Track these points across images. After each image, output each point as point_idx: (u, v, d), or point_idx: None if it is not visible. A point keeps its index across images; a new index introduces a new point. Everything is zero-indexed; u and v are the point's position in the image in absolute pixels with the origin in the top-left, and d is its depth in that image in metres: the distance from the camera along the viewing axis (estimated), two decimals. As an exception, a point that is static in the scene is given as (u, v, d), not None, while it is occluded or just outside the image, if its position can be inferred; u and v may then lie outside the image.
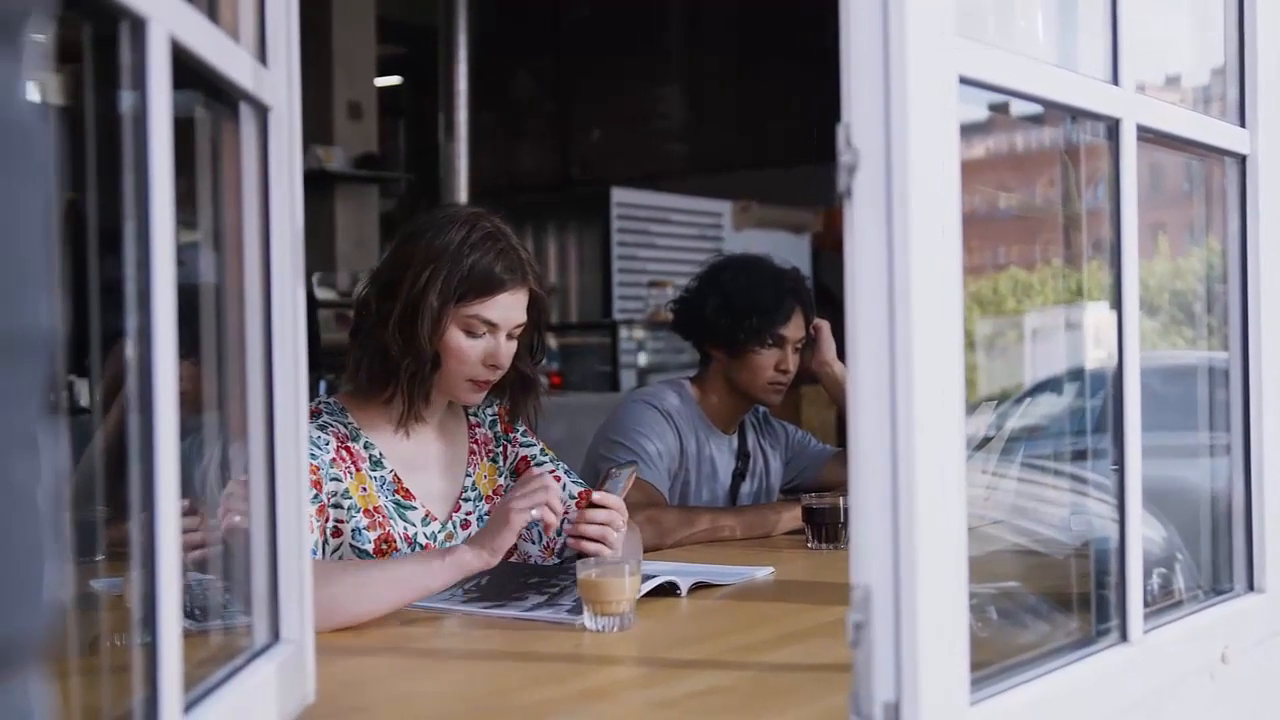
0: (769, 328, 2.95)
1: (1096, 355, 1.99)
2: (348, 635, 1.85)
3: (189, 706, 1.08)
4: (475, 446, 2.35)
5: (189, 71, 1.10)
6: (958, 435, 1.20)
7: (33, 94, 0.56)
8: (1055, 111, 1.58)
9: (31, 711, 0.55)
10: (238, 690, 1.21)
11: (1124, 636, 1.49)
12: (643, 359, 7.52)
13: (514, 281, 2.18)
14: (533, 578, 2.11)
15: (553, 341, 7.66)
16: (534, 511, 1.95)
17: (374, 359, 2.17)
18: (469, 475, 2.32)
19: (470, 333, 2.17)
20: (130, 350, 1.00)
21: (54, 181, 0.57)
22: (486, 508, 2.31)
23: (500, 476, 2.36)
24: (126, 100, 1.01)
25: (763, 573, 2.32)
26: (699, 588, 2.16)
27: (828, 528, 2.61)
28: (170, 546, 1.00)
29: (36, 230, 0.54)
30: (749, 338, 2.94)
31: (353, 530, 2.12)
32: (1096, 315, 1.92)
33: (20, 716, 0.54)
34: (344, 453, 2.15)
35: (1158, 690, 1.56)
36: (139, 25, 0.98)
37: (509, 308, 2.19)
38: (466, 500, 2.30)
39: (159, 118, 1.00)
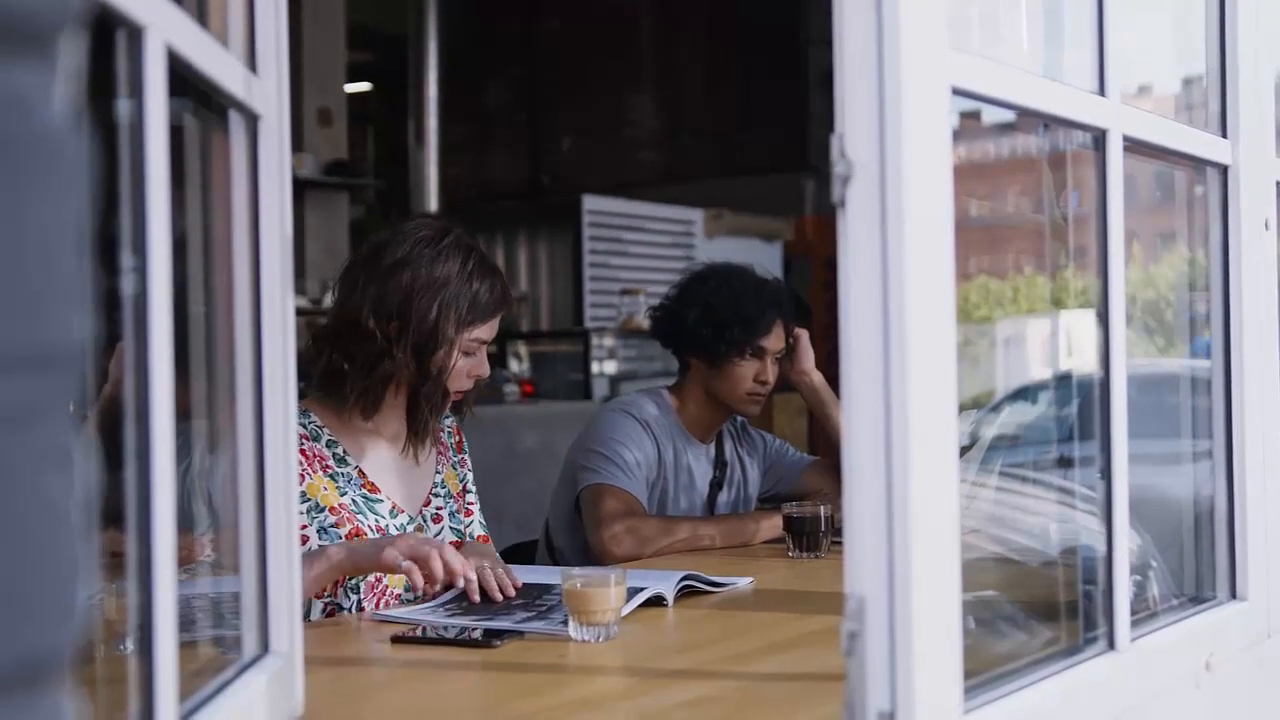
0: (750, 339, 2.94)
1: (1072, 363, 2.00)
2: (337, 648, 1.84)
3: (182, 719, 1.07)
4: (442, 447, 2.44)
5: (181, 79, 1.10)
6: (951, 444, 1.21)
7: (64, 105, 0.56)
8: (1027, 120, 1.59)
9: None
10: (229, 703, 1.20)
11: (1111, 644, 1.50)
12: (614, 367, 7.51)
13: (508, 302, 2.33)
14: (517, 598, 2.10)
15: (524, 350, 7.64)
16: (404, 564, 1.96)
17: (382, 384, 2.24)
18: (438, 473, 2.41)
19: (466, 353, 2.28)
20: (126, 359, 0.99)
21: (86, 193, 0.56)
22: (455, 505, 2.41)
23: (460, 482, 2.46)
24: (121, 108, 1.00)
25: (744, 582, 2.32)
26: (686, 593, 2.16)
27: (808, 536, 2.61)
28: (166, 558, 0.99)
29: (70, 243, 0.54)
30: (730, 349, 2.94)
31: (319, 530, 2.16)
32: (1071, 323, 1.93)
33: None
34: (300, 455, 2.18)
35: (1145, 698, 1.56)
36: (136, 33, 0.97)
37: (497, 325, 2.33)
38: (437, 496, 2.39)
39: (155, 126, 0.99)
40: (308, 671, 1.44)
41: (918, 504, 1.15)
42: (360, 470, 2.27)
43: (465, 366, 2.28)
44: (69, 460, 0.55)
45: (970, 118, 1.50)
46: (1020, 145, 1.85)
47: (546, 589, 2.15)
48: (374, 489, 2.27)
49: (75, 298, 0.55)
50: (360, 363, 2.22)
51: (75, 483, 0.56)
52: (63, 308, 0.54)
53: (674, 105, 9.78)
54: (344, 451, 2.26)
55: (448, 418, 2.47)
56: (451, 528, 2.39)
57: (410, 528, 2.30)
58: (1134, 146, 1.57)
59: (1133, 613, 1.58)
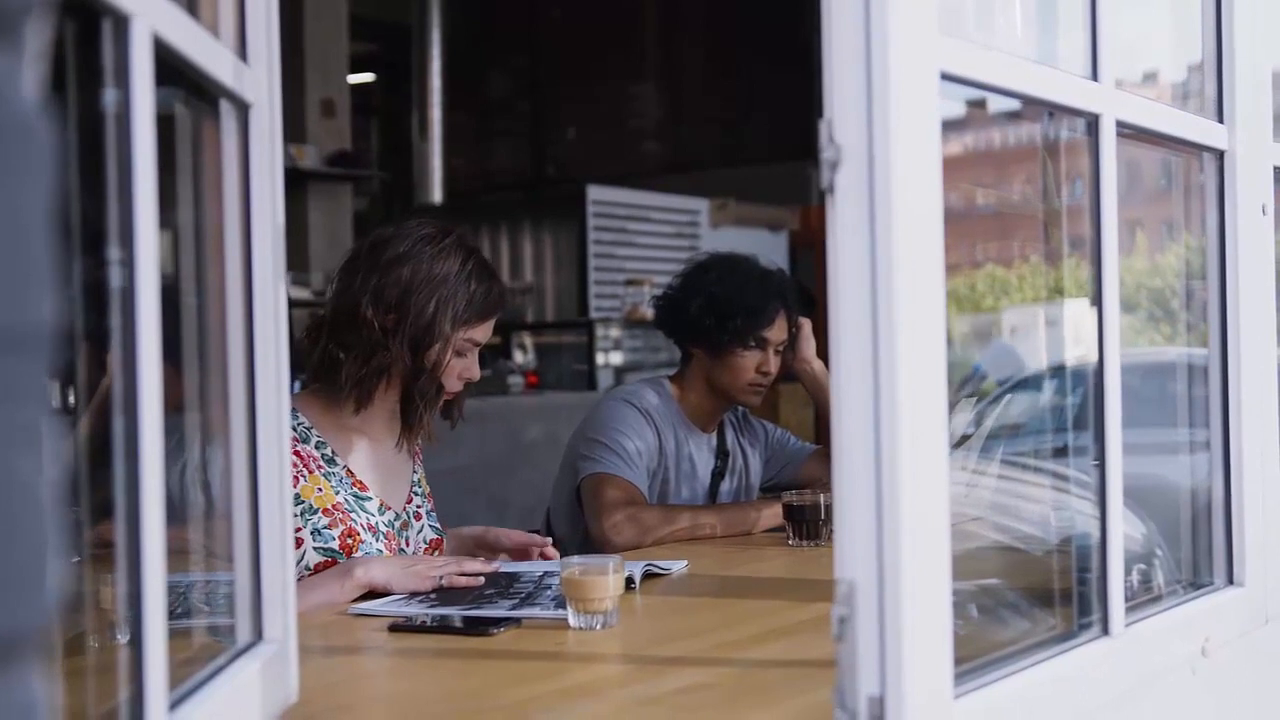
0: (753, 330, 2.94)
1: (1075, 352, 2.00)
2: (333, 637, 1.85)
3: (173, 705, 1.08)
4: (418, 448, 2.48)
5: (169, 68, 1.10)
6: (940, 430, 1.21)
7: (33, 89, 0.56)
8: (1033, 108, 1.58)
9: (35, 704, 0.55)
10: (222, 689, 1.20)
11: (1105, 630, 1.50)
12: (619, 358, 7.51)
13: (503, 306, 2.35)
14: (489, 587, 2.11)
15: (528, 341, 7.64)
16: (443, 581, 2.11)
17: (376, 376, 2.26)
18: (415, 473, 2.45)
19: (459, 353, 2.30)
20: (114, 351, 1.00)
21: (54, 178, 0.57)
22: (430, 505, 2.45)
23: (426, 484, 2.51)
24: (108, 97, 1.00)
25: (680, 565, 2.35)
26: (648, 577, 2.21)
27: (808, 525, 2.61)
28: (155, 547, 1.00)
29: (39, 227, 0.54)
30: (732, 339, 2.94)
31: (313, 532, 2.19)
32: (1075, 312, 1.93)
33: (24, 709, 0.54)
34: (294, 457, 2.20)
35: (1139, 683, 1.56)
36: (122, 22, 0.97)
37: (491, 328, 2.36)
38: (416, 494, 2.43)
39: (142, 115, 0.99)
40: (304, 660, 1.45)
41: (907, 488, 1.15)
42: (348, 469, 2.29)
43: (457, 367, 2.30)
44: (39, 441, 0.56)
45: (976, 106, 1.50)
46: (1026, 133, 1.85)
47: (515, 577, 2.18)
48: (362, 487, 2.30)
49: (45, 282, 0.56)
50: (356, 353, 2.24)
51: (46, 463, 0.56)
52: (33, 291, 0.55)
53: (677, 94, 9.78)
54: (332, 451, 2.29)
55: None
56: (430, 525, 2.43)
57: (397, 524, 2.33)
58: (1128, 132, 1.57)
59: (1135, 600, 1.58)
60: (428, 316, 2.24)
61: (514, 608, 1.95)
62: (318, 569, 2.18)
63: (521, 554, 2.41)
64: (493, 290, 2.32)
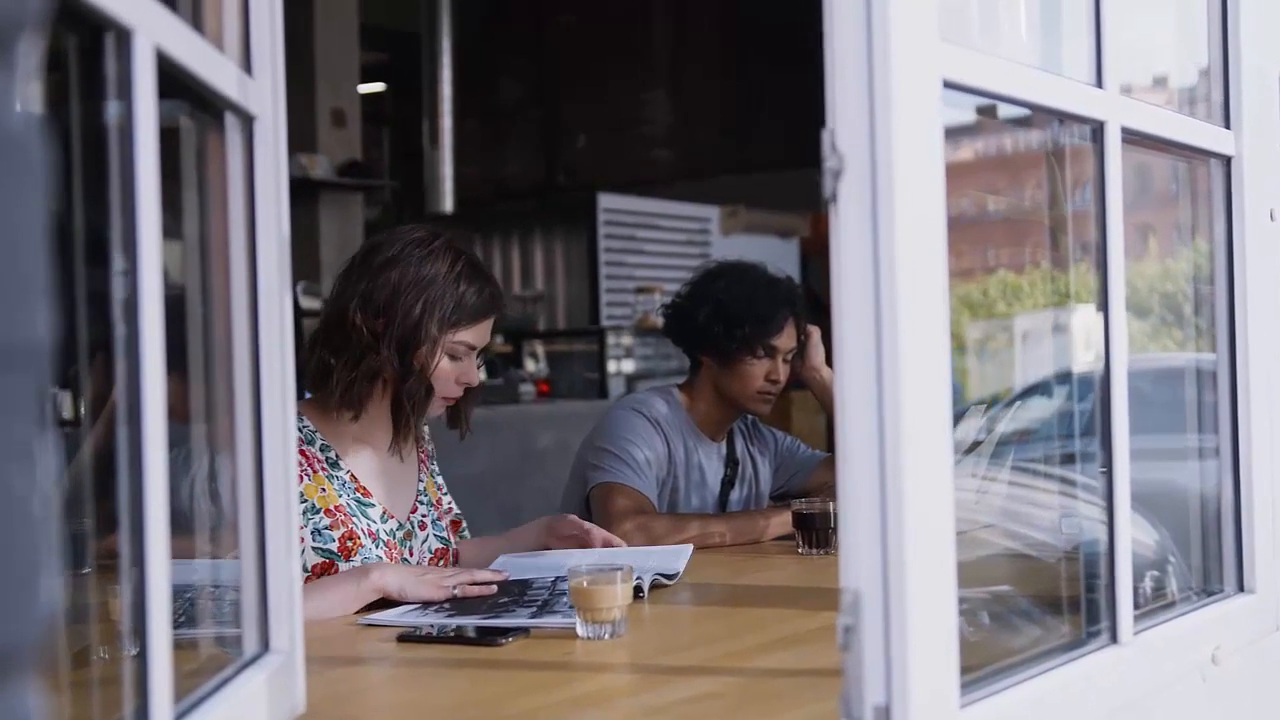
0: (762, 338, 2.94)
1: (1086, 358, 2.00)
2: (338, 647, 1.85)
3: (179, 717, 1.08)
4: (424, 457, 2.48)
5: (173, 81, 1.10)
6: (945, 438, 1.21)
7: (27, 105, 0.56)
8: (1041, 114, 1.58)
9: (29, 718, 0.55)
10: (228, 700, 1.20)
11: (1114, 638, 1.49)
12: (630, 366, 7.50)
13: (496, 309, 2.33)
14: (502, 598, 2.10)
15: (540, 349, 7.64)
16: (456, 591, 2.10)
17: (366, 380, 2.26)
18: (421, 481, 2.44)
19: (453, 357, 2.30)
20: (117, 362, 1.00)
21: (48, 193, 0.57)
22: (436, 514, 2.44)
23: (438, 490, 2.50)
24: (111, 110, 1.01)
25: (684, 552, 2.38)
26: (655, 587, 2.20)
27: (818, 533, 2.61)
28: (159, 558, 1.00)
29: (33, 242, 0.55)
30: (741, 347, 2.94)
31: (313, 532, 2.20)
32: (1085, 318, 1.92)
33: None
34: (299, 456, 2.21)
35: (1149, 691, 1.56)
36: (124, 36, 0.98)
37: (487, 331, 2.34)
38: (422, 503, 2.42)
39: (145, 128, 1.00)
40: (312, 670, 1.45)
41: (911, 497, 1.15)
42: (352, 474, 2.30)
43: (453, 371, 2.29)
44: (33, 456, 0.56)
45: (986, 112, 1.50)
46: (1037, 139, 1.85)
47: (527, 585, 2.17)
48: (366, 493, 2.30)
49: (41, 298, 0.56)
50: (346, 358, 2.24)
51: (39, 478, 0.56)
52: (27, 306, 0.55)
53: (687, 101, 9.76)
54: (336, 455, 2.29)
55: (425, 425, 2.50)
56: (435, 535, 2.42)
57: (400, 533, 2.33)
58: (1134, 139, 1.57)
59: (1147, 607, 1.58)
60: (414, 318, 2.23)
61: (532, 616, 1.95)
62: (316, 570, 2.18)
63: (580, 542, 2.43)
64: (484, 292, 2.30)
